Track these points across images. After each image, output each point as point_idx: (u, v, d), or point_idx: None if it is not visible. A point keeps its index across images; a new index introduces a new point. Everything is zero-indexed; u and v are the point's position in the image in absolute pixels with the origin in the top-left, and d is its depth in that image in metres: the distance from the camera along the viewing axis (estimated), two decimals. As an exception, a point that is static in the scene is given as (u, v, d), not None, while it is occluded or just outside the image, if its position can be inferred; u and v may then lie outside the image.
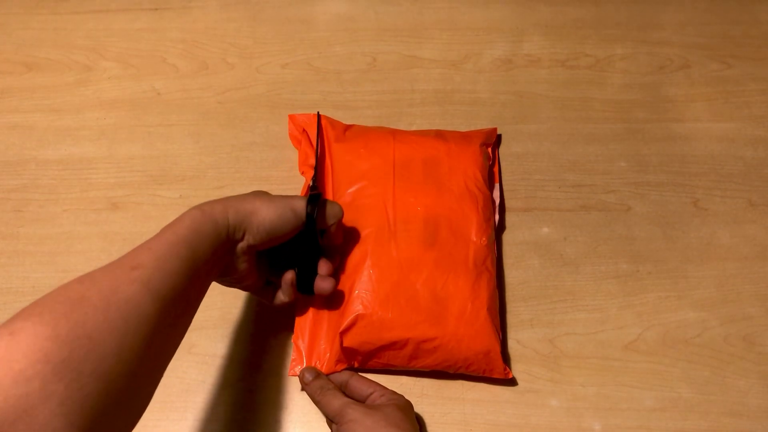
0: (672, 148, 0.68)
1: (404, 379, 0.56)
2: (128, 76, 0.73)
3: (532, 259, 0.62)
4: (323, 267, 0.53)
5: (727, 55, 0.73)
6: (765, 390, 0.56)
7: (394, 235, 0.56)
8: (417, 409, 0.54)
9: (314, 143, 0.64)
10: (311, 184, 0.57)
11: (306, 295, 0.54)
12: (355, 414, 0.47)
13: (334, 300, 0.56)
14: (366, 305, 0.53)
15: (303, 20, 0.76)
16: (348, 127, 0.64)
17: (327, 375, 0.54)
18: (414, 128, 0.67)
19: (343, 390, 0.52)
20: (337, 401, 0.49)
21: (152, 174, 0.67)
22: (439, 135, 0.63)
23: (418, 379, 0.56)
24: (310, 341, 0.56)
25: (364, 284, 0.54)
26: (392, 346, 0.53)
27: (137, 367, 0.35)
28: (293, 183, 0.65)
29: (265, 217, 0.47)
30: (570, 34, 0.75)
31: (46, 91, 0.72)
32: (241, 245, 0.47)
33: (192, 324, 0.59)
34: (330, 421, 0.50)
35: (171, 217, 0.64)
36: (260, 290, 0.54)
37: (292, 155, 0.67)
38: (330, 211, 0.51)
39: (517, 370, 0.57)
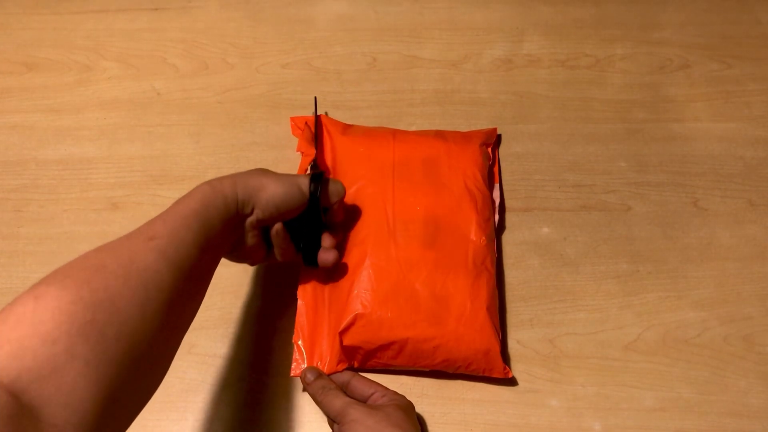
0: (672, 148, 0.68)
1: (404, 379, 0.56)
2: (128, 76, 0.73)
3: (532, 259, 0.62)
4: (327, 240, 0.55)
5: (727, 55, 0.73)
6: (765, 390, 0.56)
7: (393, 235, 0.56)
8: (417, 409, 0.54)
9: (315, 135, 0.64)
10: (312, 163, 0.58)
11: (311, 267, 0.56)
12: (356, 414, 0.47)
13: (335, 300, 0.56)
14: (365, 305, 0.54)
15: (303, 20, 0.76)
16: (348, 127, 0.64)
17: (329, 375, 0.54)
18: (414, 128, 0.67)
19: (345, 390, 0.52)
20: (338, 401, 0.49)
21: (152, 174, 0.67)
22: (439, 135, 0.63)
23: (418, 379, 0.56)
24: (311, 341, 0.56)
25: (364, 284, 0.54)
26: (392, 345, 0.53)
27: (158, 334, 0.37)
28: (293, 183, 0.65)
29: (273, 192, 0.49)
30: (570, 34, 0.75)
31: (46, 91, 0.72)
32: (250, 219, 0.49)
33: (192, 324, 0.59)
34: (331, 422, 0.50)
35: (171, 217, 0.64)
36: (265, 260, 0.55)
37: (292, 155, 0.67)
38: (333, 189, 0.53)
39: (517, 370, 0.57)
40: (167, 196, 0.66)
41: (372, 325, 0.53)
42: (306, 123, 0.65)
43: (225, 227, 0.45)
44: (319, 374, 0.53)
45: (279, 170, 0.66)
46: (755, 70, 0.72)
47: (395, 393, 0.51)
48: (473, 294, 0.54)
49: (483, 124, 0.68)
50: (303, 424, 0.55)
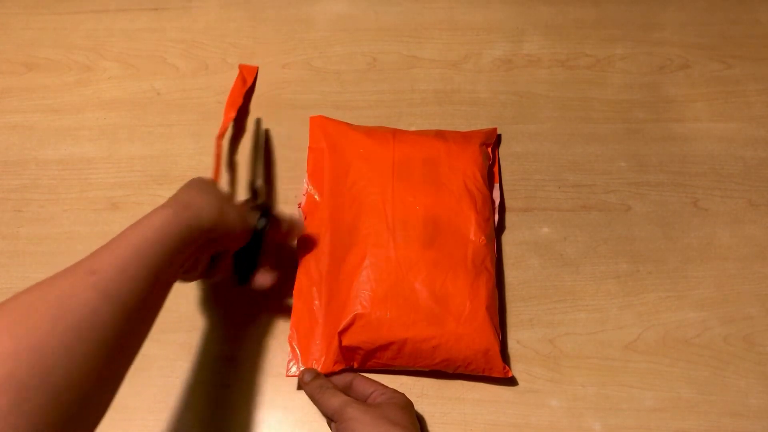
0: (672, 148, 0.68)
1: (404, 378, 0.56)
2: (128, 76, 0.73)
3: (532, 259, 0.62)
4: (266, 263, 0.56)
5: (727, 55, 0.73)
6: (765, 390, 0.56)
7: (392, 235, 0.56)
8: (417, 409, 0.54)
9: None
10: (253, 189, 0.60)
11: (243, 286, 0.57)
12: (354, 412, 0.47)
13: (331, 300, 0.56)
14: (364, 305, 0.53)
15: (303, 20, 0.76)
16: (348, 127, 0.64)
17: (330, 376, 0.54)
18: (414, 128, 0.67)
19: (347, 391, 0.52)
20: (336, 399, 0.49)
21: (152, 174, 0.67)
22: (439, 135, 0.63)
23: (418, 379, 0.56)
24: (305, 341, 0.56)
25: (363, 284, 0.54)
26: (391, 345, 0.53)
27: (91, 377, 0.34)
28: (293, 183, 0.65)
29: (234, 224, 0.48)
30: (570, 34, 0.75)
31: (46, 91, 0.72)
32: (207, 245, 0.47)
33: (192, 324, 0.59)
34: (330, 421, 0.50)
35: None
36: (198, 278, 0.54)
37: (292, 155, 0.67)
38: (293, 228, 0.56)
39: (517, 370, 0.57)
40: (167, 196, 0.65)
41: (371, 325, 0.53)
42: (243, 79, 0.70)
43: (181, 255, 0.42)
44: (317, 374, 0.53)
45: (279, 170, 0.67)
46: (755, 70, 0.72)
47: (395, 391, 0.51)
48: (472, 294, 0.54)
49: (483, 124, 0.68)
50: (302, 424, 0.55)
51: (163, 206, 0.43)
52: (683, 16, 0.76)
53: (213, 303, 0.59)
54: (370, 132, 0.63)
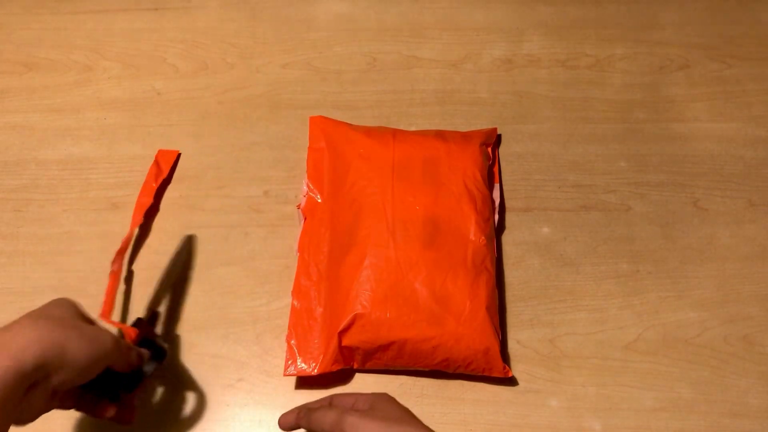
0: (672, 148, 0.68)
1: (404, 378, 0.56)
2: (128, 76, 0.73)
3: (532, 259, 0.62)
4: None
5: (727, 55, 0.73)
6: (765, 390, 0.56)
7: (392, 235, 0.56)
8: (417, 409, 0.54)
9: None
10: (153, 312, 0.56)
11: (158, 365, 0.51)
12: (353, 418, 0.44)
13: (330, 301, 0.56)
14: (365, 305, 0.54)
15: (303, 20, 0.76)
16: (348, 127, 0.64)
17: (326, 376, 0.54)
18: (414, 128, 0.67)
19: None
20: (330, 413, 0.46)
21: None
22: (439, 135, 0.63)
23: (418, 379, 0.56)
24: (303, 341, 0.56)
25: (363, 284, 0.54)
26: (391, 345, 0.53)
27: None
28: (293, 183, 0.65)
29: (76, 353, 0.40)
30: (570, 34, 0.75)
31: (46, 91, 0.72)
32: (45, 386, 0.39)
33: (192, 324, 0.59)
34: None
35: (171, 217, 0.64)
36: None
37: (292, 155, 0.67)
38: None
39: (517, 370, 0.57)
40: (167, 196, 0.66)
41: (371, 325, 0.53)
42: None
43: (7, 401, 0.36)
44: (294, 409, 0.49)
45: (279, 170, 0.66)
46: (755, 70, 0.72)
47: (374, 393, 0.49)
48: (472, 294, 0.54)
49: (483, 124, 0.68)
50: (303, 424, 0.55)
51: None
52: (683, 16, 0.76)
53: (214, 302, 0.59)
54: (370, 132, 0.63)
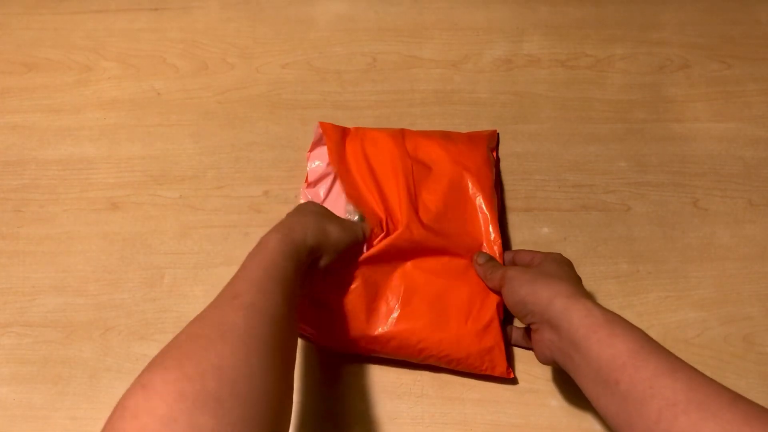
0: (672, 148, 0.68)
1: (404, 378, 0.56)
2: (128, 76, 0.73)
3: (532, 259, 0.62)
4: None
5: (727, 55, 0.73)
6: (765, 390, 0.56)
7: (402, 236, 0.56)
8: (417, 408, 0.54)
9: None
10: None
11: None
12: (513, 272, 0.51)
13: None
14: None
15: (303, 20, 0.76)
16: (356, 130, 0.64)
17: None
18: (414, 128, 0.67)
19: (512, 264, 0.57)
20: (499, 270, 0.53)
21: (152, 174, 0.67)
22: (447, 137, 0.63)
23: (418, 379, 0.56)
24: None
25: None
26: (400, 334, 0.54)
27: (267, 382, 0.36)
28: (293, 183, 0.65)
29: (338, 239, 0.51)
30: (570, 34, 0.75)
31: (46, 91, 0.72)
32: (319, 264, 0.50)
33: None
34: (516, 312, 0.51)
35: (171, 217, 0.64)
36: None
37: (292, 155, 0.67)
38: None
39: (517, 370, 0.57)
40: (167, 196, 0.66)
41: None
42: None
43: (299, 272, 0.46)
44: (489, 257, 0.56)
45: (279, 170, 0.67)
46: (755, 70, 0.72)
47: (551, 253, 0.54)
48: (482, 292, 0.55)
49: (483, 124, 0.68)
50: (302, 424, 0.55)
51: (272, 231, 0.47)
52: (683, 16, 0.76)
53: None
54: (379, 134, 0.63)
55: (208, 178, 0.66)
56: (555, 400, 0.56)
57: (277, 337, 0.39)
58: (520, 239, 0.63)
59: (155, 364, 0.34)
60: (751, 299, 0.60)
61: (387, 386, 0.56)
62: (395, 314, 0.54)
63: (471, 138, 0.64)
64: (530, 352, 0.57)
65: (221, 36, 0.75)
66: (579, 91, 0.71)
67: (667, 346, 0.57)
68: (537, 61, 0.73)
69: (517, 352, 0.57)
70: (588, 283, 0.60)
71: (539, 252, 0.56)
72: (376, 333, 0.54)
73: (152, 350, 0.55)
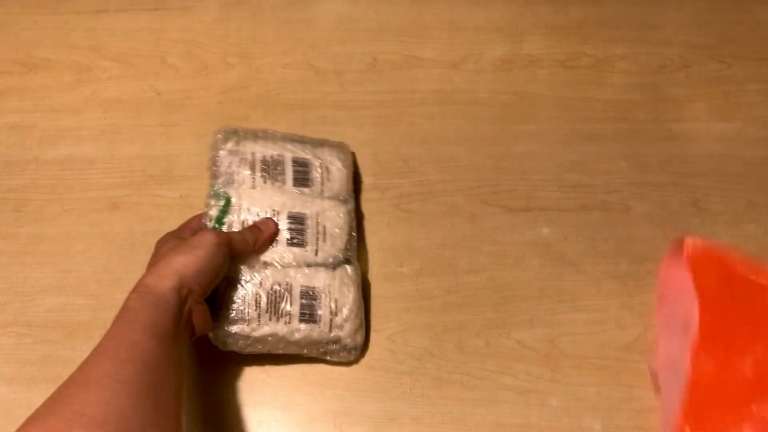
0: (672, 148, 0.68)
1: (405, 378, 0.56)
2: (128, 76, 0.73)
3: (532, 259, 0.62)
4: None
5: (727, 55, 0.73)
6: (765, 390, 0.56)
7: None
8: (417, 409, 0.54)
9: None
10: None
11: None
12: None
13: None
14: None
15: (303, 20, 0.76)
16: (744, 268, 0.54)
17: None
18: (414, 128, 0.67)
19: None
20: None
21: (152, 174, 0.67)
22: None
23: (418, 379, 0.57)
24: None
25: None
26: None
27: (146, 424, 0.37)
28: (293, 183, 0.65)
29: (195, 264, 0.48)
30: (570, 34, 0.75)
31: (46, 91, 0.72)
32: (194, 297, 0.48)
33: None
34: None
35: (171, 217, 0.64)
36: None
37: (292, 155, 0.67)
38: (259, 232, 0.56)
39: (517, 370, 0.57)
40: (167, 196, 0.66)
41: None
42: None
43: (171, 317, 0.45)
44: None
45: (279, 170, 0.66)
46: (755, 70, 0.72)
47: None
48: None
49: (483, 124, 0.68)
50: (302, 424, 0.55)
51: (131, 291, 0.46)
52: (683, 16, 0.76)
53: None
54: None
55: (209, 178, 0.66)
56: (555, 400, 0.56)
57: (150, 379, 0.39)
58: (520, 239, 0.63)
59: (20, 429, 0.36)
60: (751, 299, 0.60)
61: (387, 386, 0.56)
62: None
63: None
64: (530, 352, 0.58)
65: (221, 36, 0.75)
66: (579, 91, 0.71)
67: (667, 346, 0.58)
68: (537, 61, 0.73)
69: (516, 351, 0.57)
70: (588, 283, 0.60)
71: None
72: None
73: (152, 350, 0.55)
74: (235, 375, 0.57)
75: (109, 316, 0.60)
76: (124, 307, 0.44)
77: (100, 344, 0.42)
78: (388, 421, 0.55)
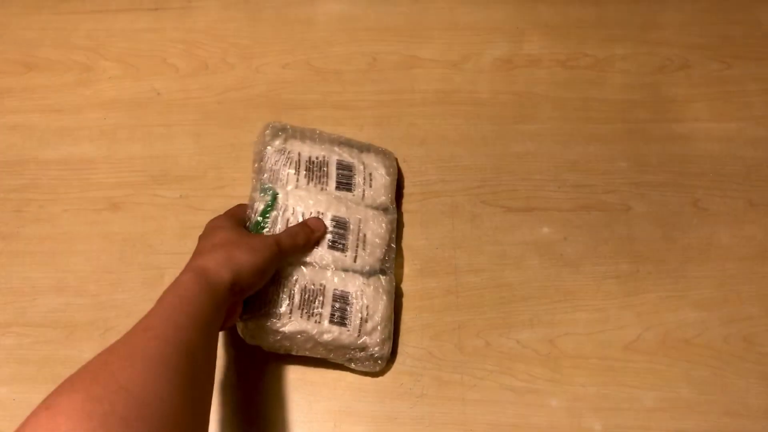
0: (672, 148, 0.68)
1: (405, 378, 0.57)
2: (128, 76, 0.73)
3: (532, 259, 0.62)
4: None
5: (727, 55, 0.73)
6: (765, 390, 0.56)
7: None
8: (417, 409, 0.54)
9: None
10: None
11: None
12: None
13: None
14: None
15: (303, 20, 0.76)
16: None
17: None
18: (414, 128, 0.67)
19: None
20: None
21: (152, 174, 0.67)
22: None
23: (418, 379, 0.57)
24: None
25: None
26: None
27: (178, 409, 0.37)
28: (293, 183, 0.65)
29: (252, 264, 0.49)
30: (570, 34, 0.75)
31: (46, 91, 0.72)
32: (238, 296, 0.49)
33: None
34: None
35: (171, 217, 0.64)
36: None
37: (292, 155, 0.67)
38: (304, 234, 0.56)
39: (517, 370, 0.57)
40: (167, 196, 0.66)
41: None
42: None
43: (215, 309, 0.45)
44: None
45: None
46: (755, 70, 0.72)
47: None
48: None
49: (483, 124, 0.68)
50: (302, 424, 0.55)
51: (186, 270, 0.46)
52: (683, 16, 0.76)
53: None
54: None
55: (208, 178, 0.66)
56: (555, 400, 0.56)
57: (190, 366, 0.39)
58: (520, 239, 0.63)
59: (62, 387, 0.35)
60: (751, 299, 0.60)
61: (387, 386, 0.57)
62: None
63: None
64: (529, 351, 0.58)
65: (221, 36, 0.75)
66: (579, 91, 0.71)
67: (667, 347, 0.58)
68: (537, 61, 0.73)
69: (516, 351, 0.57)
70: (588, 283, 0.60)
71: None
72: None
73: (152, 350, 0.55)
74: (236, 375, 0.57)
75: (109, 316, 0.60)
76: (180, 284, 0.44)
77: (148, 318, 0.41)
78: (388, 421, 0.55)
